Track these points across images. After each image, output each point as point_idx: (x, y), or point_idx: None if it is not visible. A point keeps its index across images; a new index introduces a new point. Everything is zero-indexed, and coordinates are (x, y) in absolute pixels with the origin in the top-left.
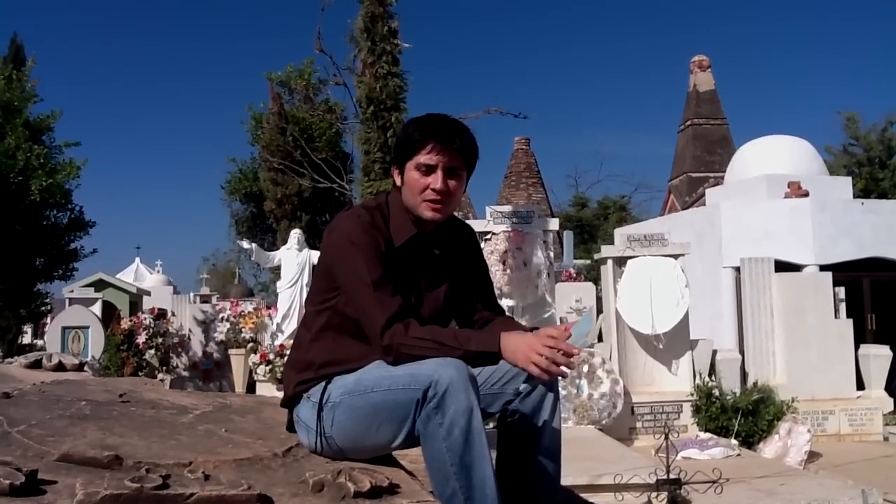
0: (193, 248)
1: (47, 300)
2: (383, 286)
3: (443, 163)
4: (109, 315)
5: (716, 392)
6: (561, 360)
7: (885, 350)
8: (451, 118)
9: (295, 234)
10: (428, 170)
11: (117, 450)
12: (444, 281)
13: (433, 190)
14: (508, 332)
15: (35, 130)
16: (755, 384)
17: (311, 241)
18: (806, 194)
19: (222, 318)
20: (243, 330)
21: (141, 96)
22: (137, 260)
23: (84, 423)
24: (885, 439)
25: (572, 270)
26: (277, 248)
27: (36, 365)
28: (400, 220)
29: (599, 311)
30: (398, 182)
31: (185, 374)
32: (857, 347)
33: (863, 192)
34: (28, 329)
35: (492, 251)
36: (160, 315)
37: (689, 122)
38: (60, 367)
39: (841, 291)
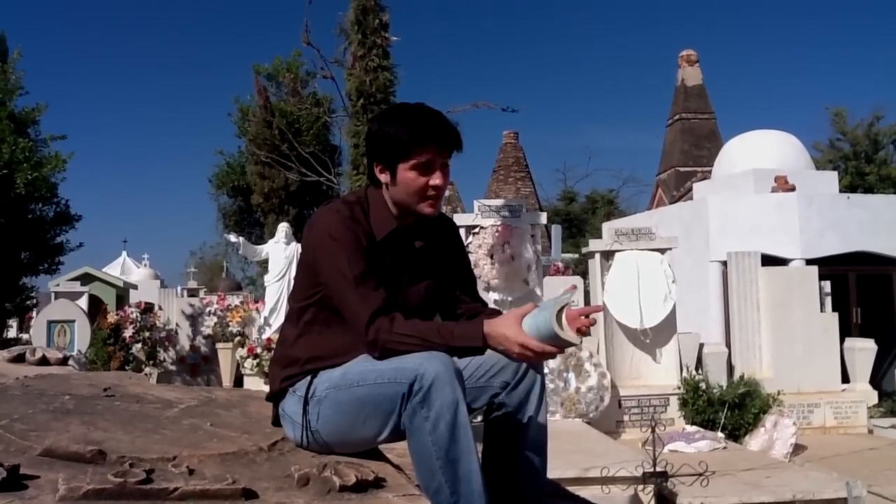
0: (181, 241)
1: (33, 294)
2: (365, 281)
3: (440, 160)
4: (96, 309)
5: (702, 385)
6: (549, 350)
7: (869, 343)
8: (430, 109)
9: (282, 228)
10: (427, 168)
11: (101, 444)
12: (426, 274)
13: (433, 187)
14: (492, 321)
15: (20, 123)
16: (741, 377)
17: (298, 235)
18: (793, 189)
19: (210, 312)
20: (231, 324)
21: (127, 89)
22: (124, 254)
23: (67, 418)
24: (870, 432)
25: (560, 264)
26: (265, 242)
27: (19, 359)
28: (380, 213)
29: (587, 304)
30: (384, 180)
31: (173, 368)
32: (842, 341)
33: (849, 187)
34: (13, 323)
35: (480, 245)
36: (147, 309)
37: (677, 117)
38: (44, 361)
39: (827, 285)
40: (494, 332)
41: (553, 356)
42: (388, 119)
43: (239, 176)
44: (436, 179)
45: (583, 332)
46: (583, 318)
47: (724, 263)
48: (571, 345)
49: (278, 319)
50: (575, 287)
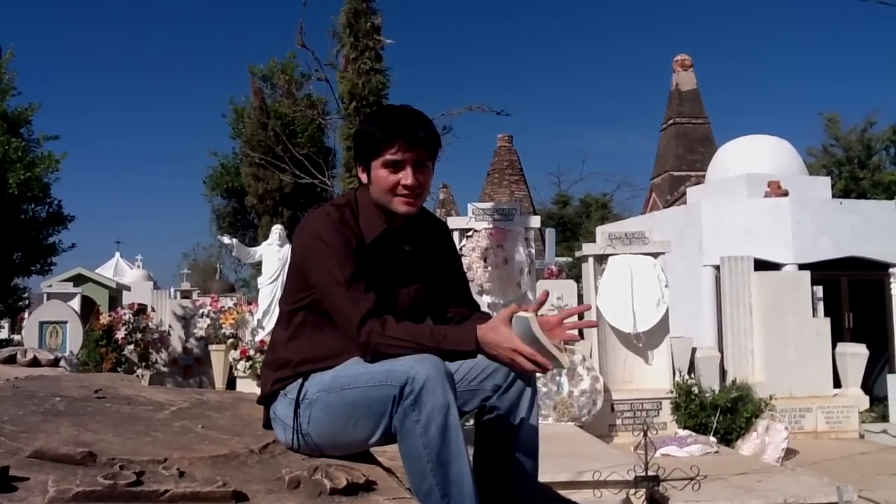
0: (174, 243)
1: (25, 295)
2: (356, 283)
3: (410, 158)
4: (88, 310)
5: (695, 390)
6: (541, 360)
7: (861, 348)
8: (409, 109)
9: (276, 230)
10: (396, 166)
11: (91, 446)
12: (416, 277)
13: (404, 186)
14: (485, 325)
15: (13, 123)
16: (734, 382)
17: (292, 237)
18: (786, 194)
19: (203, 314)
20: (224, 326)
21: (121, 90)
22: (117, 255)
23: (58, 420)
24: (861, 437)
25: (554, 268)
26: (259, 244)
27: (10, 360)
28: (369, 216)
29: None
30: (364, 180)
31: (165, 369)
32: (834, 346)
33: (842, 192)
34: (5, 324)
35: (473, 248)
36: (140, 310)
37: (671, 121)
38: (35, 362)
39: (819, 290)
40: (487, 336)
41: (543, 369)
42: (368, 119)
43: (233, 177)
44: (406, 178)
45: (573, 338)
46: (567, 321)
47: (717, 268)
48: (558, 362)
49: (271, 322)
50: (547, 293)
